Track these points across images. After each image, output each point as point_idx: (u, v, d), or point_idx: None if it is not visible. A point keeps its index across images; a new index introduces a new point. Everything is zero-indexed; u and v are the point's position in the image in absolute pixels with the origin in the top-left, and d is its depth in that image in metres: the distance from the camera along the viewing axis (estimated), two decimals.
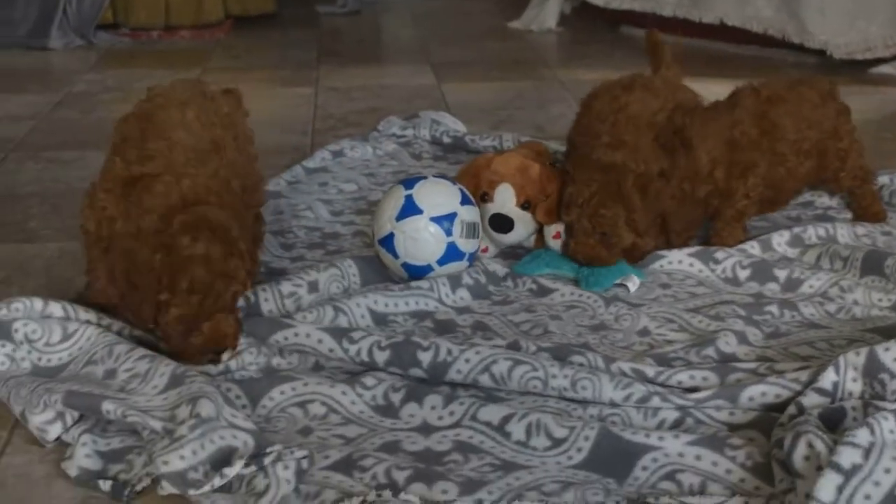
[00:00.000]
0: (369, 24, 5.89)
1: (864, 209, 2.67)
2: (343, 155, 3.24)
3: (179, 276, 1.87)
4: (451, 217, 2.25)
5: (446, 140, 3.33)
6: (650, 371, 1.88)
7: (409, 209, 2.25)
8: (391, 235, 2.25)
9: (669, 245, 2.42)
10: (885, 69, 4.43)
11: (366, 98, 4.09)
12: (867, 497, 1.40)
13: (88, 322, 1.99)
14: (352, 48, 5.16)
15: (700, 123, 2.44)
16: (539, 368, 1.84)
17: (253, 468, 1.62)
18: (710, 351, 1.99)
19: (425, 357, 1.88)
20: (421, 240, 2.23)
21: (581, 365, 1.91)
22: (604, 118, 2.50)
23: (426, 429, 1.78)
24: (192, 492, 1.58)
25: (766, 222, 2.66)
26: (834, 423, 1.61)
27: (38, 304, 1.96)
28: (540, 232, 2.43)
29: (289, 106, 3.99)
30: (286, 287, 2.17)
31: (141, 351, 1.90)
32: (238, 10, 5.62)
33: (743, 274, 2.34)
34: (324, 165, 3.16)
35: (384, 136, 3.41)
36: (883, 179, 2.81)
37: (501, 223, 2.38)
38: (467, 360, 1.86)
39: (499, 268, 2.35)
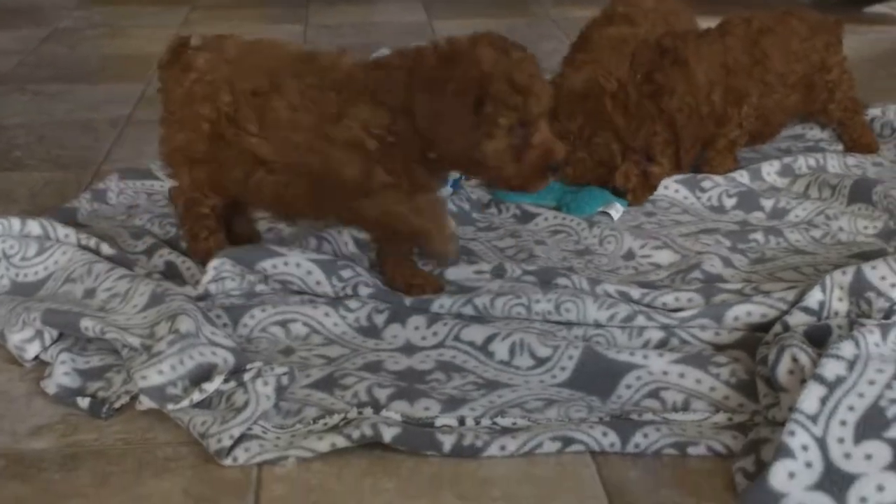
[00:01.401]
0: None
1: (855, 140, 2.65)
2: None
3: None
4: None
5: None
6: (635, 293, 1.86)
7: None
8: None
9: (678, 167, 2.40)
10: (879, 8, 4.40)
11: (356, 35, 4.05)
12: (850, 408, 1.38)
13: (67, 239, 1.97)
14: None
15: (693, 46, 2.42)
16: (522, 296, 1.83)
17: (233, 384, 1.60)
18: (695, 273, 1.97)
19: (409, 298, 1.87)
20: None
21: (565, 287, 1.89)
22: (581, 47, 2.49)
23: (409, 349, 1.76)
24: (170, 406, 1.57)
25: (756, 154, 2.63)
26: (819, 340, 1.59)
27: (15, 223, 1.94)
28: None
29: None
30: (262, 224, 2.15)
31: (121, 271, 1.88)
32: None
33: (729, 202, 2.33)
34: None
35: None
36: (874, 112, 2.78)
37: None
38: (450, 296, 1.84)
39: (483, 195, 2.33)
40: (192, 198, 1.98)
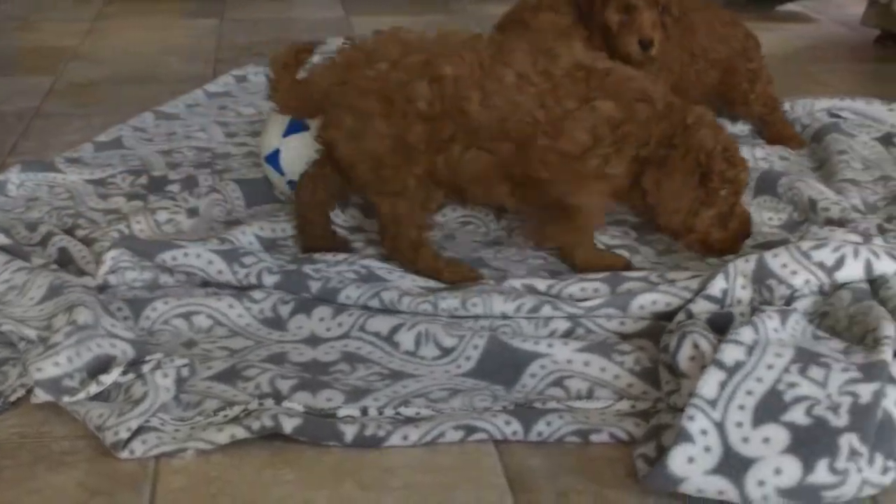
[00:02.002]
0: None
1: (779, 134, 2.67)
2: (246, 80, 3.19)
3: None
4: None
5: None
6: (541, 285, 1.86)
7: (296, 125, 2.18)
8: (277, 152, 2.19)
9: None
10: (791, 7, 4.46)
11: (271, 30, 4.02)
12: (749, 393, 1.39)
13: None
14: None
15: None
16: (429, 294, 1.81)
17: (131, 376, 1.58)
18: None
19: (315, 284, 1.84)
20: (307, 156, 2.15)
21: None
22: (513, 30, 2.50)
23: (314, 340, 1.75)
24: (66, 399, 1.53)
25: None
26: (722, 327, 1.59)
27: None
28: None
29: (192, 37, 3.91)
30: (162, 216, 2.11)
31: (18, 263, 1.84)
32: None
33: None
34: (226, 90, 3.11)
35: None
36: (783, 108, 2.81)
37: None
38: (358, 287, 1.82)
39: None
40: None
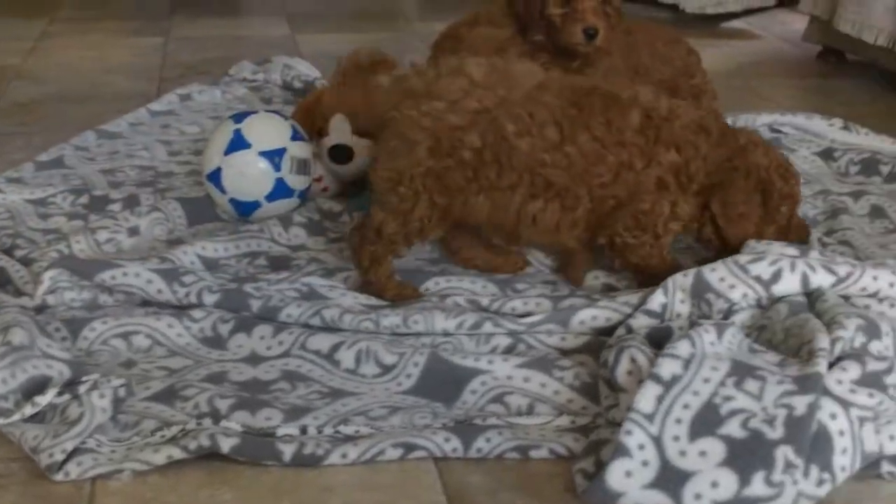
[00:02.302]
0: None
1: None
2: (191, 98, 3.17)
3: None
4: (280, 152, 2.18)
5: (297, 85, 3.27)
6: (484, 300, 1.86)
7: (238, 143, 2.17)
8: (219, 170, 2.18)
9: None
10: (735, 23, 4.50)
11: (217, 48, 4.00)
12: (686, 406, 1.39)
13: None
14: (207, 0, 5.04)
15: None
16: (370, 312, 1.81)
17: (67, 397, 1.56)
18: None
19: (256, 303, 1.83)
20: (249, 175, 2.16)
21: (416, 300, 1.89)
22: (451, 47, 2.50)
23: (254, 359, 1.74)
24: (1, 421, 1.52)
25: None
26: (661, 342, 1.60)
27: None
28: None
29: (138, 55, 3.89)
30: (102, 235, 2.10)
31: None
32: None
33: None
34: (170, 108, 3.09)
35: (235, 81, 3.35)
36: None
37: (341, 154, 2.31)
38: (299, 306, 1.82)
39: (334, 204, 2.29)
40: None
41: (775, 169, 1.91)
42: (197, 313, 1.81)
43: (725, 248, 1.89)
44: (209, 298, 1.84)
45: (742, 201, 1.89)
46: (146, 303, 1.88)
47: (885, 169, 2.57)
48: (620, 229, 1.89)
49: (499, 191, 1.87)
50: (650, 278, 1.86)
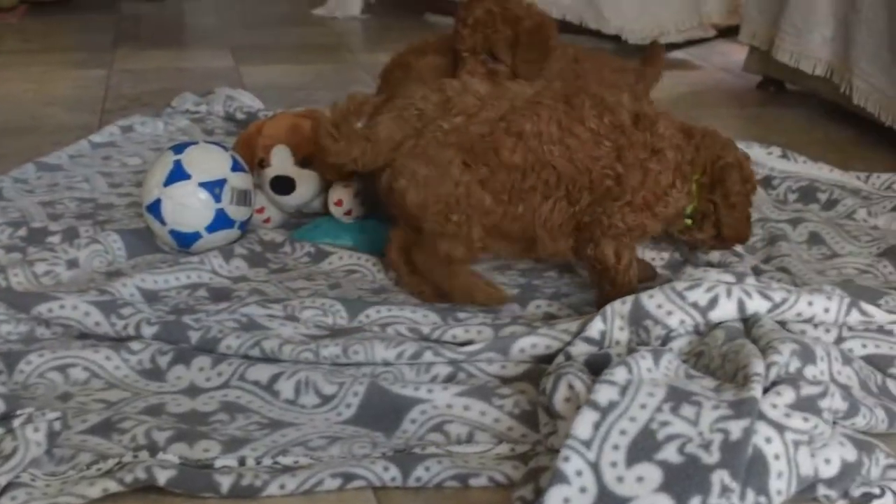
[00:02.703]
0: (172, 10, 5.77)
1: None
2: (133, 130, 3.15)
3: None
4: (220, 183, 2.18)
5: (240, 116, 3.26)
6: (425, 328, 1.86)
7: (178, 174, 2.16)
8: (158, 201, 2.17)
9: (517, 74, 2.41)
10: (677, 54, 4.55)
11: (160, 80, 3.99)
12: (623, 432, 1.40)
13: None
14: (151, 33, 5.03)
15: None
16: (310, 342, 1.80)
17: (1, 431, 1.53)
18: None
19: (195, 335, 1.82)
20: (189, 206, 2.15)
21: (357, 329, 1.89)
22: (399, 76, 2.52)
23: (193, 390, 1.72)
24: None
25: None
26: (600, 368, 1.60)
27: None
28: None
29: (80, 87, 3.86)
30: (41, 267, 2.08)
31: None
32: None
33: None
34: (112, 140, 3.07)
35: (177, 113, 3.33)
36: None
37: (283, 185, 2.31)
38: (238, 337, 1.80)
39: (276, 235, 2.29)
40: None
41: (746, 161, 2.11)
42: (135, 345, 1.79)
43: (721, 242, 2.11)
44: (148, 330, 1.82)
45: (737, 192, 2.04)
46: (84, 335, 1.86)
47: (822, 196, 2.60)
48: (615, 208, 1.96)
49: (525, 193, 1.97)
50: (609, 294, 1.92)
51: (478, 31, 2.37)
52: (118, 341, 1.82)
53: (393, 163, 1.97)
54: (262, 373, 1.72)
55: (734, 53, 4.10)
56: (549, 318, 1.96)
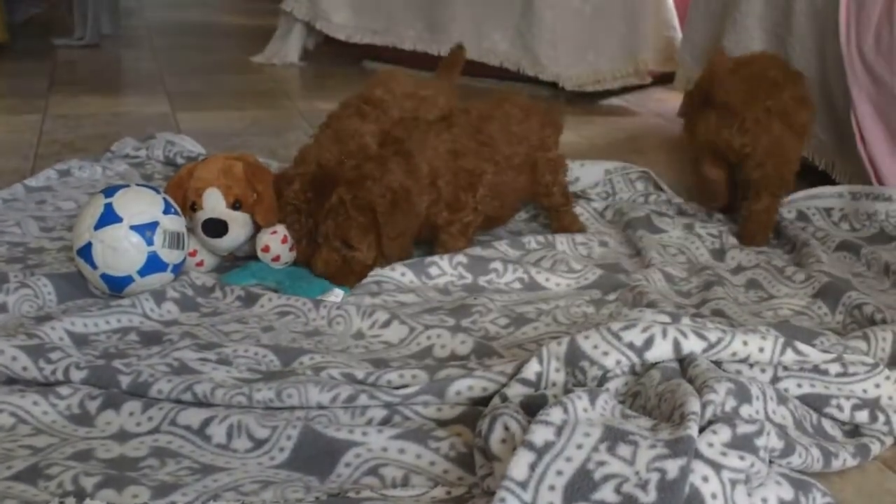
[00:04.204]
0: (107, 57, 5.72)
1: (567, 227, 2.73)
2: (70, 174, 3.10)
3: None
4: (152, 226, 2.15)
5: (180, 161, 3.23)
6: (360, 373, 1.84)
7: (109, 217, 2.13)
8: (89, 245, 2.13)
9: (383, 255, 2.34)
10: (613, 100, 4.60)
11: (96, 125, 3.94)
12: (559, 473, 1.38)
13: None
14: (86, 79, 4.97)
15: (419, 135, 2.43)
16: (243, 386, 1.78)
17: None
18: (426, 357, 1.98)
19: (125, 379, 1.78)
20: (120, 249, 2.12)
21: (291, 373, 1.86)
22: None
23: (123, 436, 1.68)
24: None
25: (489, 236, 2.68)
26: (536, 409, 1.59)
27: None
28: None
29: (12, 132, 3.80)
30: None
31: None
32: None
33: (455, 289, 2.35)
34: (48, 184, 3.02)
35: (116, 157, 3.30)
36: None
37: (215, 227, 2.29)
38: (169, 381, 1.77)
39: (207, 279, 2.26)
40: None
41: None
42: (64, 390, 1.76)
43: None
44: (77, 375, 1.79)
45: None
46: (11, 380, 1.82)
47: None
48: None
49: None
50: None
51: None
52: (46, 386, 1.78)
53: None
54: (193, 417, 1.69)
55: (669, 100, 4.14)
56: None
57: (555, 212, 2.76)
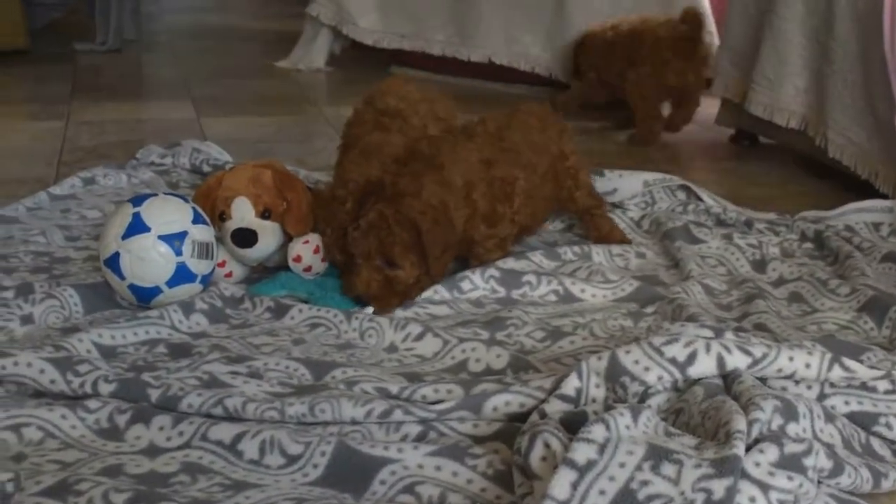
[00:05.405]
0: (130, 62, 5.71)
1: (607, 235, 2.68)
2: (95, 182, 3.08)
3: None
4: (181, 236, 2.12)
5: (206, 168, 3.21)
6: (394, 388, 1.81)
7: (137, 227, 2.10)
8: (117, 255, 2.10)
9: (428, 273, 2.27)
10: None
11: (119, 131, 3.93)
12: (602, 493, 1.35)
13: None
14: (109, 84, 4.96)
15: (449, 148, 2.38)
16: (275, 400, 1.74)
17: None
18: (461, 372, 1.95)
19: (155, 392, 1.75)
20: (148, 259, 2.09)
21: (323, 387, 1.82)
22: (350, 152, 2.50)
23: (153, 451, 1.65)
24: None
25: (521, 247, 2.64)
26: (576, 426, 1.55)
27: None
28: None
29: (35, 139, 3.79)
30: None
31: None
32: None
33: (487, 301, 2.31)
34: (72, 193, 3.00)
35: (142, 165, 3.27)
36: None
37: (244, 237, 2.26)
38: (200, 395, 1.74)
39: (236, 290, 2.23)
40: None
41: None
42: (92, 403, 1.72)
43: None
44: (105, 388, 1.76)
45: None
46: (39, 393, 1.79)
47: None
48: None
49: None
50: None
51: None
52: (74, 399, 1.76)
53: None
54: (225, 432, 1.66)
55: (707, 106, 4.10)
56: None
57: (588, 216, 2.70)
